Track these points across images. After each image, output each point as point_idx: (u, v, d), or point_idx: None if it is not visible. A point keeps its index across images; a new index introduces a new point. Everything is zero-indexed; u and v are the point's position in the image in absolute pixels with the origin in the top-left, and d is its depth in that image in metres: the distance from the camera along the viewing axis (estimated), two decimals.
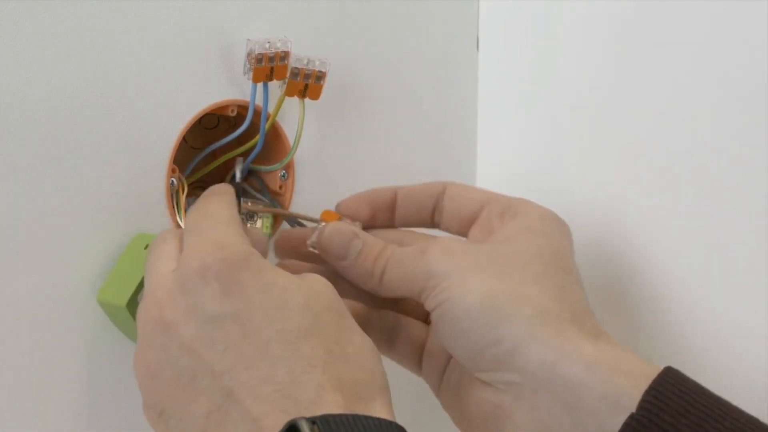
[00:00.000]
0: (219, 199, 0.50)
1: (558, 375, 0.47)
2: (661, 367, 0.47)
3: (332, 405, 0.42)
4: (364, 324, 0.53)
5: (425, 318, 0.57)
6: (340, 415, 0.41)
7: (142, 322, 0.46)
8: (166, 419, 0.45)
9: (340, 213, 0.56)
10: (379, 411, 0.43)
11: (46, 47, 0.49)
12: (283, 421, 0.40)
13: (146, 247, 0.50)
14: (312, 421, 0.40)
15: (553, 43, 0.63)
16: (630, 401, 0.46)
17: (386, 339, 0.56)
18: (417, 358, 0.56)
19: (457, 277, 0.50)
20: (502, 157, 0.66)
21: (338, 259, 0.53)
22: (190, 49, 0.54)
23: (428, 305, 0.51)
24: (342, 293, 0.48)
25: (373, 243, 0.53)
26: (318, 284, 0.46)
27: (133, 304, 0.49)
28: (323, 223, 0.54)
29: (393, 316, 0.56)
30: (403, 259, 0.52)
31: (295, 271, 0.48)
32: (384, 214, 0.56)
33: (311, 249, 0.54)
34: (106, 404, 0.53)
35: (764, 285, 0.53)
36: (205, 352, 0.43)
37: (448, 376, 0.54)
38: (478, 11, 0.66)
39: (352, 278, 0.53)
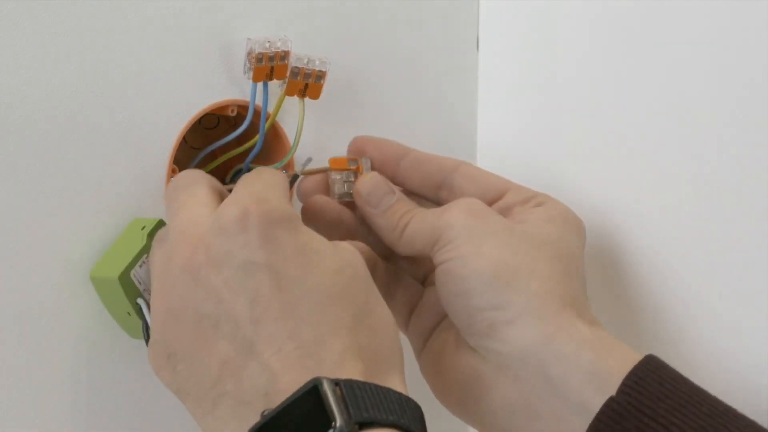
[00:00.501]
0: (274, 171, 0.50)
1: (551, 350, 0.48)
2: (643, 355, 0.48)
3: (353, 371, 0.42)
4: (370, 271, 0.54)
5: (423, 279, 0.57)
6: (363, 383, 0.41)
7: (169, 260, 0.45)
8: (174, 363, 0.45)
9: (352, 148, 0.57)
10: (395, 386, 0.43)
11: (46, 47, 0.49)
12: (303, 379, 0.40)
13: (143, 228, 0.50)
14: (335, 383, 0.40)
15: (553, 43, 0.63)
16: (614, 384, 0.47)
17: (384, 291, 0.56)
18: (407, 314, 0.56)
19: (473, 237, 0.51)
20: (502, 157, 0.66)
21: (370, 206, 0.54)
22: (190, 49, 0.54)
23: (438, 258, 0.51)
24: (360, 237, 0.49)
25: (405, 201, 0.54)
26: (349, 253, 0.47)
27: (125, 278, 0.49)
28: (331, 171, 0.56)
29: (394, 269, 0.57)
30: (425, 217, 0.53)
31: (324, 211, 0.51)
32: (389, 167, 0.57)
33: (338, 199, 0.56)
34: (103, 401, 0.53)
35: (763, 279, 0.53)
36: (233, 300, 0.43)
37: (433, 339, 0.54)
38: (478, 11, 0.66)
39: (377, 226, 0.54)
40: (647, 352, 0.49)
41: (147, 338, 0.49)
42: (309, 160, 0.56)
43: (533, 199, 0.54)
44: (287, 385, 0.41)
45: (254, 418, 0.41)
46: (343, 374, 0.42)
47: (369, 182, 0.55)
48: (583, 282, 0.52)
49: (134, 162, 0.52)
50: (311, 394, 0.40)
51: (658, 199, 0.58)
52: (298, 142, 0.56)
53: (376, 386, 0.41)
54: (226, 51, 0.55)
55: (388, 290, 0.56)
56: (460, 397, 0.52)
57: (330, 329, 0.43)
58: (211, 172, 0.56)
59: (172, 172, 0.54)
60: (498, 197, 0.55)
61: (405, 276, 0.57)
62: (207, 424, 0.44)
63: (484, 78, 0.67)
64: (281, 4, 0.57)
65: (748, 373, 0.53)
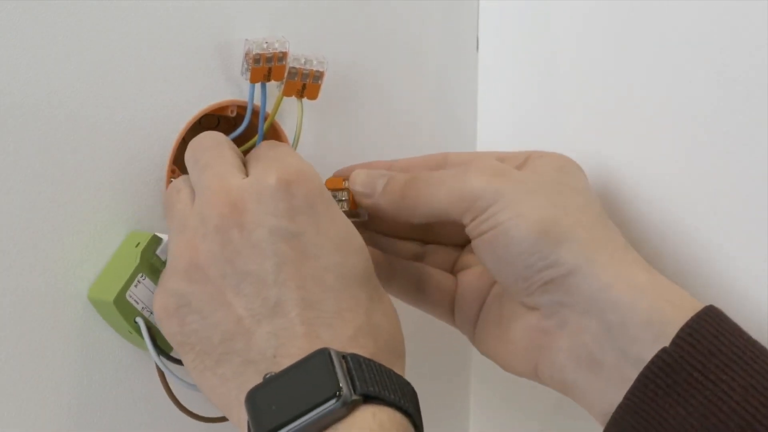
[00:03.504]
0: (286, 144, 0.52)
1: (610, 297, 0.48)
2: (704, 305, 0.47)
3: (364, 348, 0.43)
4: (389, 275, 0.55)
5: (452, 267, 0.57)
6: (370, 360, 0.42)
7: (201, 216, 0.46)
8: (184, 314, 0.45)
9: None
10: (398, 371, 0.44)
11: (46, 47, 0.49)
12: (314, 347, 0.41)
13: (137, 245, 0.50)
14: (343, 356, 0.41)
15: (553, 43, 0.63)
16: (671, 331, 0.46)
17: (414, 290, 0.56)
18: (449, 307, 0.56)
19: (507, 201, 0.50)
20: None
21: (366, 197, 0.54)
22: (189, 49, 0.54)
23: (476, 229, 0.50)
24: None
25: (400, 175, 0.54)
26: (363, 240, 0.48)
27: (120, 300, 0.49)
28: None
29: (416, 267, 0.57)
30: (443, 180, 0.52)
31: None
32: None
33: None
34: (100, 404, 0.53)
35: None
36: (261, 262, 0.44)
37: (485, 315, 0.54)
38: (478, 11, 0.66)
39: (384, 211, 0.54)
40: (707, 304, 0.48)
41: (155, 349, 0.49)
42: None
43: (530, 157, 0.54)
44: (297, 350, 0.42)
45: (256, 380, 0.42)
46: (354, 349, 0.43)
47: (360, 174, 0.54)
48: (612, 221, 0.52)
49: (134, 162, 0.52)
50: (318, 361, 0.41)
51: (658, 198, 0.58)
52: (297, 142, 0.56)
53: (381, 366, 0.42)
54: (225, 51, 0.55)
55: (418, 289, 0.56)
56: (530, 360, 0.52)
57: (350, 304, 0.44)
58: None
59: (172, 173, 0.54)
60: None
61: (433, 272, 0.57)
62: (204, 380, 0.45)
63: (484, 78, 0.67)
64: (279, 4, 0.57)
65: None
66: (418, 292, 0.56)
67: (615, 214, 0.59)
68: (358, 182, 0.54)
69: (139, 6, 0.52)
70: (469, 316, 0.55)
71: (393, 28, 0.63)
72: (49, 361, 0.51)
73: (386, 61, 0.62)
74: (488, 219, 0.50)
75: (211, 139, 0.51)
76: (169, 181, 0.53)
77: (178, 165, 0.54)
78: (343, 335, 0.43)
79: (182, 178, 0.51)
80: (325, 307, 0.44)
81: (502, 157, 0.54)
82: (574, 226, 0.49)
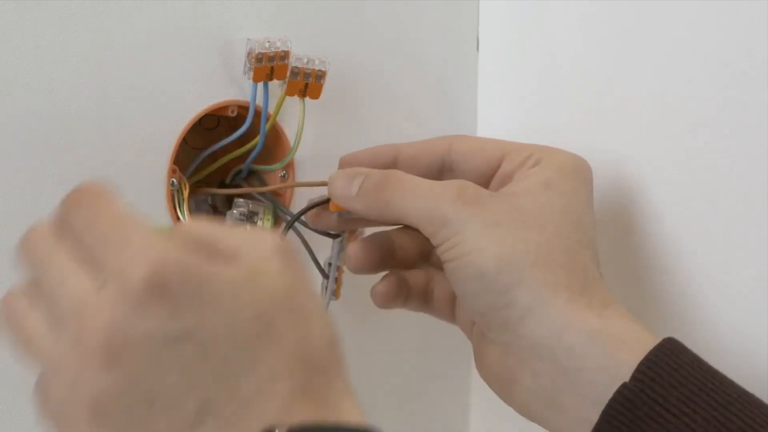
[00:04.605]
0: (109, 200, 0.41)
1: (562, 344, 0.48)
2: (661, 339, 0.47)
3: (303, 413, 0.39)
4: (398, 288, 0.54)
5: None
6: (317, 425, 0.38)
7: (69, 351, 0.38)
8: None
9: (343, 166, 0.56)
10: (348, 412, 0.40)
11: (46, 47, 0.49)
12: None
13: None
14: (289, 430, 0.37)
15: (553, 43, 0.63)
16: (628, 373, 0.46)
17: (422, 298, 0.56)
18: (450, 310, 0.56)
19: (471, 232, 0.49)
20: None
21: (346, 199, 0.52)
22: (190, 49, 0.54)
23: (442, 254, 0.50)
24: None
25: (376, 171, 0.52)
26: (268, 273, 0.39)
27: None
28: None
29: (423, 273, 0.56)
30: (416, 190, 0.51)
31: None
32: None
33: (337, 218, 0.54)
34: None
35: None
36: (162, 378, 0.38)
37: (474, 330, 0.54)
38: (478, 11, 0.66)
39: (364, 213, 0.52)
40: (666, 335, 0.48)
41: None
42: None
43: (530, 158, 0.53)
44: None
45: None
46: (293, 419, 0.38)
47: (336, 178, 0.53)
48: (590, 249, 0.51)
49: (134, 162, 0.52)
50: None
51: (658, 197, 0.58)
52: (299, 142, 0.56)
53: (333, 426, 0.38)
54: (226, 51, 0.55)
55: (425, 297, 0.56)
56: (498, 388, 0.52)
57: (267, 377, 0.39)
58: (212, 174, 0.57)
59: (172, 172, 0.54)
60: (496, 166, 0.54)
61: (435, 274, 0.56)
62: None
63: (484, 78, 0.66)
64: (281, 4, 0.57)
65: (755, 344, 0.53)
66: (425, 300, 0.56)
67: (615, 214, 0.59)
68: (337, 184, 0.53)
69: (139, 5, 0.52)
70: (466, 321, 0.55)
71: (394, 28, 0.63)
72: None
73: (387, 60, 0.62)
74: (452, 248, 0.50)
75: (32, 236, 0.41)
76: (169, 181, 0.53)
77: (179, 165, 0.54)
78: (274, 411, 0.38)
79: (16, 293, 0.41)
80: (244, 393, 0.38)
81: (507, 150, 0.54)
82: (533, 267, 0.49)
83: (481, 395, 0.68)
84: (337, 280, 0.57)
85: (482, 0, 0.66)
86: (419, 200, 0.51)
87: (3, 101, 0.47)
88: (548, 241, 0.50)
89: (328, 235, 0.56)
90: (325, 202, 0.54)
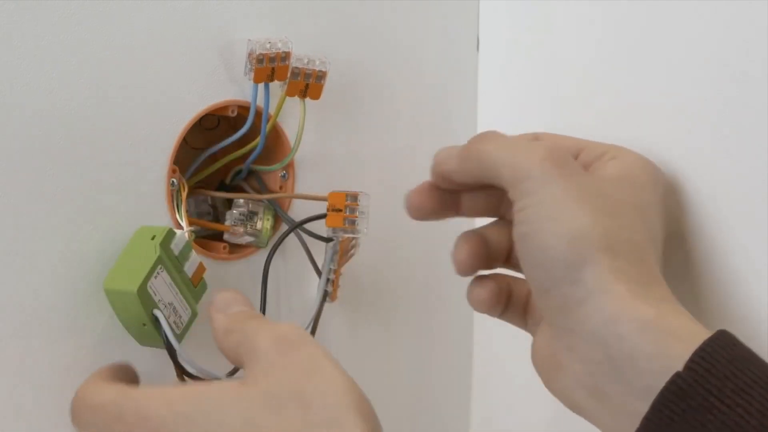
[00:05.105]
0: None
1: (614, 332, 0.47)
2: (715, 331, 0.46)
3: None
4: (499, 296, 0.54)
5: None
6: None
7: None
8: None
9: (409, 207, 0.54)
10: None
11: (46, 47, 0.49)
12: None
13: (153, 238, 0.50)
14: None
15: (553, 43, 0.63)
16: (680, 364, 0.45)
17: (502, 306, 0.56)
18: (524, 316, 0.56)
19: (550, 194, 0.49)
20: None
21: (448, 158, 0.52)
22: (190, 49, 0.54)
23: (516, 215, 0.49)
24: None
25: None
26: (225, 399, 0.42)
27: (143, 291, 0.49)
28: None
29: (503, 279, 0.56)
30: (507, 142, 0.51)
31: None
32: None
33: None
34: None
35: None
36: None
37: (536, 315, 0.54)
38: (478, 11, 0.66)
39: (457, 167, 0.52)
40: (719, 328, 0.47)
41: (167, 345, 0.49)
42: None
43: (606, 154, 0.53)
44: None
45: None
46: None
47: (438, 152, 0.53)
48: (658, 247, 0.51)
49: (134, 162, 0.52)
50: None
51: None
52: (299, 142, 0.56)
53: None
54: (226, 51, 0.55)
55: (504, 304, 0.56)
56: (545, 374, 0.51)
57: None
58: (212, 174, 0.57)
59: (172, 172, 0.54)
60: (575, 157, 0.54)
61: (512, 281, 0.56)
62: None
63: (484, 78, 0.67)
64: (282, 4, 0.57)
65: None
66: (504, 307, 0.56)
67: None
68: (441, 152, 0.53)
69: (139, 5, 0.52)
70: (537, 320, 0.55)
71: (394, 28, 0.63)
72: (57, 363, 0.51)
73: (387, 60, 0.62)
74: (528, 208, 0.49)
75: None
76: (169, 181, 0.53)
77: (179, 165, 0.54)
78: None
79: None
80: None
81: (583, 145, 0.54)
82: (604, 250, 0.48)
83: (481, 395, 0.68)
84: (333, 283, 0.57)
85: (482, 0, 0.66)
86: (510, 150, 0.50)
87: (3, 101, 0.47)
88: (620, 230, 0.49)
89: (322, 239, 0.56)
90: (322, 216, 0.55)
